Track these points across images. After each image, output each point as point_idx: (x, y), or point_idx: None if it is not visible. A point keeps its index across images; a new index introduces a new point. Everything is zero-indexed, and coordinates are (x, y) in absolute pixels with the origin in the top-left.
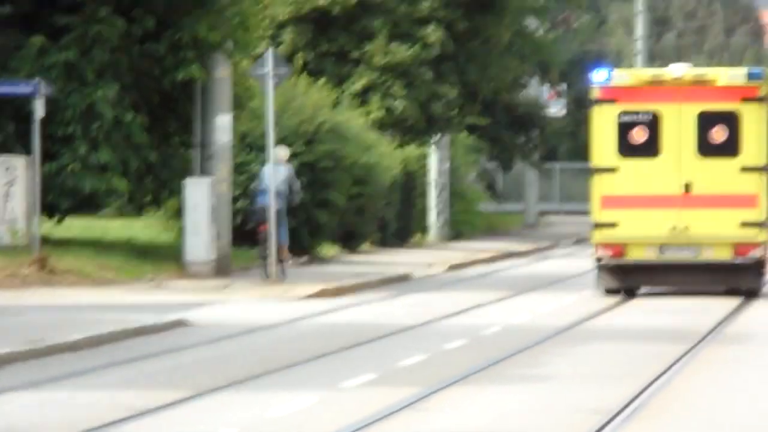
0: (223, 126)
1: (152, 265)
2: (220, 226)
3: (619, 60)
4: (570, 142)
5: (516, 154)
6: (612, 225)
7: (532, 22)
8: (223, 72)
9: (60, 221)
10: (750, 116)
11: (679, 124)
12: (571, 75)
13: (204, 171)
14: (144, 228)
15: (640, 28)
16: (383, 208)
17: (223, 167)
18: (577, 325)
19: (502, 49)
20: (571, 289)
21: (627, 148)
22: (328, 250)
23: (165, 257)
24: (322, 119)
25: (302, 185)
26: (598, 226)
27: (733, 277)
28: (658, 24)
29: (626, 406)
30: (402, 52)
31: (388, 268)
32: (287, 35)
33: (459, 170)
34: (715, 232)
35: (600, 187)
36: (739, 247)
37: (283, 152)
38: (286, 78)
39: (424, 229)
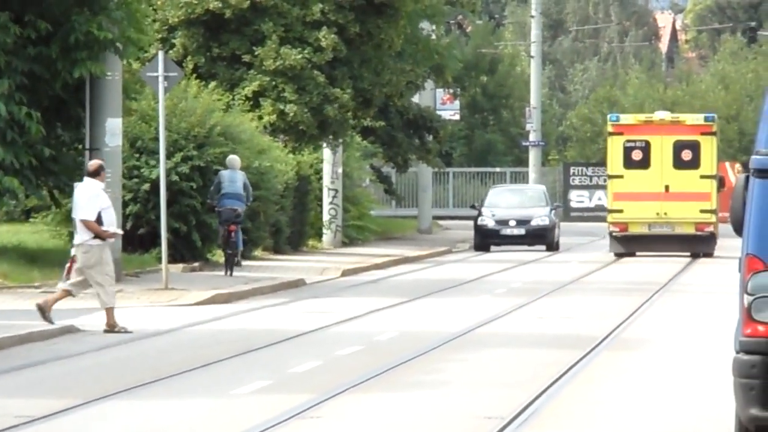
0: (113, 130)
1: (41, 271)
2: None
3: (513, 64)
4: (464, 147)
5: (411, 155)
6: (620, 211)
7: (426, 26)
8: (114, 74)
9: None
10: (706, 144)
11: (661, 148)
12: (466, 79)
13: None
14: (32, 233)
15: (534, 32)
16: (276, 213)
17: (113, 171)
18: (472, 330)
19: (395, 53)
20: (466, 294)
21: (629, 163)
22: (220, 255)
23: (54, 263)
24: (214, 122)
25: (193, 189)
26: (611, 211)
27: (695, 245)
28: (553, 27)
29: (520, 412)
30: (294, 55)
31: (281, 273)
32: (178, 39)
33: (352, 175)
34: (684, 216)
35: (612, 187)
36: (699, 225)
37: (237, 159)
38: (177, 81)
39: (317, 235)
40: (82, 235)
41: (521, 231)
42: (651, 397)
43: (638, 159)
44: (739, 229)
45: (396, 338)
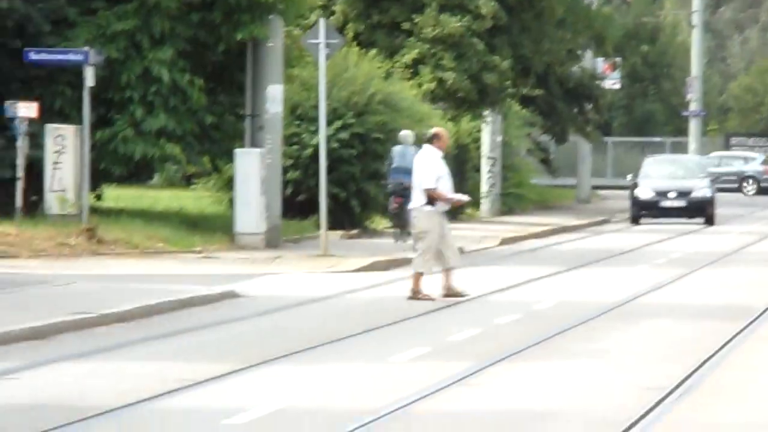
0: (274, 96)
1: (202, 237)
2: (270, 197)
3: (674, 33)
4: (623, 117)
5: (570, 126)
6: None
7: None
8: (275, 41)
9: (98, 197)
10: None
11: None
12: (626, 48)
13: (255, 142)
14: (193, 199)
15: (696, 1)
16: None
17: (274, 138)
18: (630, 300)
19: (555, 21)
20: (625, 264)
21: None
22: (379, 222)
23: (215, 229)
24: (374, 90)
25: (353, 156)
26: None
27: None
28: None
29: (681, 383)
30: (453, 23)
31: None
32: (339, 6)
33: (512, 144)
34: None
35: None
36: None
37: (410, 134)
38: (338, 48)
39: (476, 203)
40: (417, 201)
41: (681, 203)
42: None
43: None
44: None
45: (555, 307)
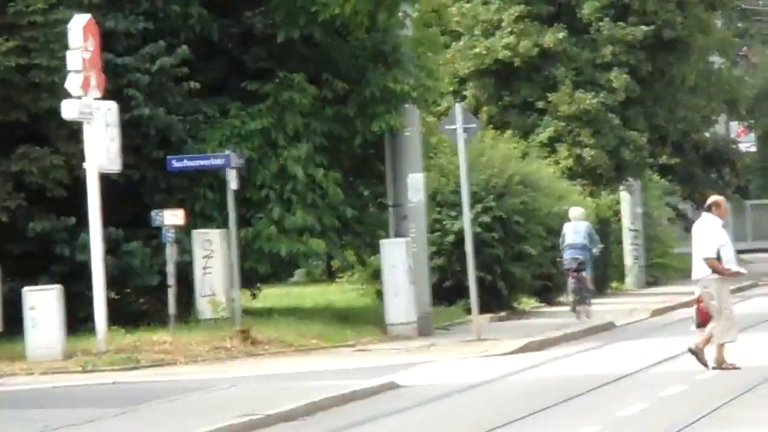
0: (415, 184)
1: (353, 330)
2: (418, 286)
3: None
4: (760, 179)
5: (709, 191)
6: None
7: (714, 59)
8: (412, 128)
9: (254, 296)
10: None
11: None
12: (758, 110)
13: (399, 231)
14: (339, 293)
15: None
16: None
17: (418, 226)
18: None
19: (687, 88)
20: None
21: None
22: (526, 303)
23: (365, 321)
24: (512, 172)
25: (495, 239)
26: None
27: None
28: None
29: None
30: (588, 99)
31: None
32: (470, 90)
33: (652, 214)
34: None
35: None
36: None
37: (580, 211)
38: (475, 132)
39: (620, 276)
40: (700, 271)
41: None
42: None
43: None
44: None
45: (719, 375)
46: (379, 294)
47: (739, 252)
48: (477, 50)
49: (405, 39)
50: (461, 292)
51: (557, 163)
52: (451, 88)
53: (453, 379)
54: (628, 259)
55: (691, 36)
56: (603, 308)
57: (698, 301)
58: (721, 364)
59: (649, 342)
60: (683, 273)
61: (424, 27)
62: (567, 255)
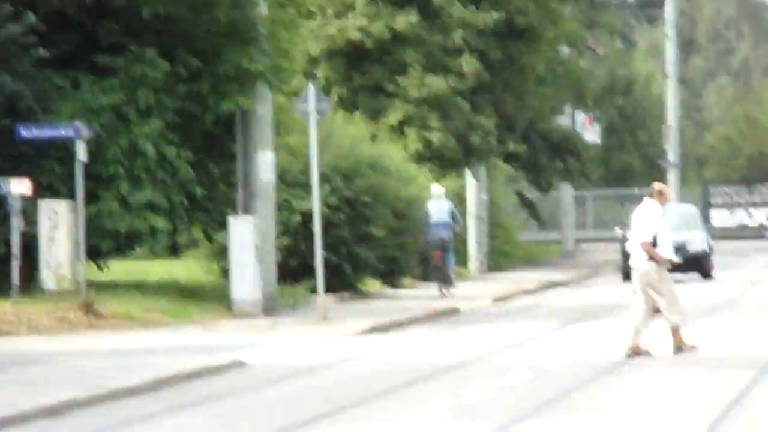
0: (265, 163)
1: (198, 306)
2: (264, 264)
3: (648, 85)
4: (602, 169)
5: (555, 177)
6: None
7: (562, 50)
8: (264, 108)
9: (99, 267)
10: None
11: None
12: (601, 101)
13: (247, 209)
14: (184, 269)
15: (668, 51)
16: (423, 241)
17: (266, 205)
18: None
19: (536, 77)
20: (620, 317)
21: None
22: (371, 285)
23: (210, 298)
24: (361, 154)
25: (342, 220)
26: None
27: None
28: (685, 47)
29: None
30: (437, 83)
31: (432, 302)
32: (321, 71)
33: (497, 201)
34: None
35: None
36: None
37: (442, 189)
38: (328, 113)
39: (464, 261)
40: (637, 258)
41: (677, 257)
42: None
43: None
44: None
45: (562, 363)
46: (225, 271)
47: (580, 241)
48: (329, 31)
49: (261, 18)
50: (307, 271)
51: (406, 146)
52: (303, 68)
53: (299, 358)
54: (472, 245)
55: (542, 25)
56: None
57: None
58: (681, 345)
59: (493, 328)
60: (526, 260)
61: (279, 6)
62: (432, 233)
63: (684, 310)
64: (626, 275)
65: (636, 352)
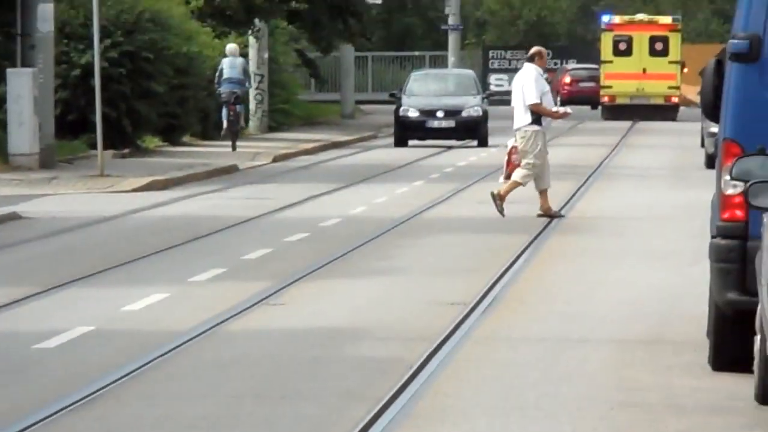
0: (45, 15)
1: None
2: (43, 118)
3: None
4: (382, 31)
5: (335, 38)
6: (609, 87)
7: None
8: None
9: None
10: (673, 38)
11: (640, 41)
12: None
13: (25, 61)
14: None
15: None
16: (204, 99)
17: (45, 57)
18: (415, 216)
19: None
20: (401, 179)
21: (617, 52)
22: (150, 141)
23: None
24: (142, 9)
25: (123, 75)
26: (603, 87)
27: (664, 112)
28: None
29: (482, 298)
30: None
31: (212, 159)
32: None
33: (278, 60)
34: (657, 91)
35: (604, 69)
36: (667, 97)
37: (235, 47)
38: None
39: (244, 120)
40: (520, 120)
41: (450, 123)
42: (609, 279)
43: (623, 49)
44: (709, 113)
45: (340, 224)
46: (2, 124)
47: (360, 103)
48: None
49: None
50: (85, 126)
51: (188, 2)
52: None
53: (78, 213)
54: (252, 104)
55: None
56: (227, 150)
57: (510, 153)
58: (548, 212)
59: (271, 187)
60: (306, 120)
61: None
62: (224, 88)
63: (529, 181)
64: (400, 142)
65: (548, 213)
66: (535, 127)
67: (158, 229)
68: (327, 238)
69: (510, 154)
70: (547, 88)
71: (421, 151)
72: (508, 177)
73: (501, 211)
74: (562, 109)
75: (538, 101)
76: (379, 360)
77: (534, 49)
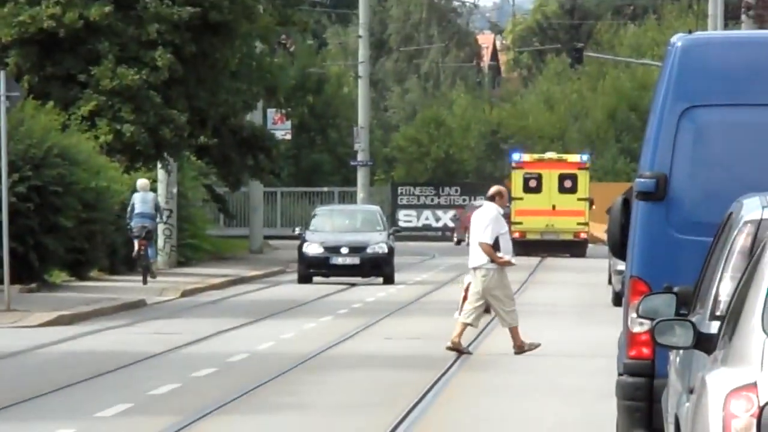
0: None
1: None
2: None
3: (339, 84)
4: (292, 167)
5: (244, 174)
6: (520, 223)
7: (256, 45)
8: None
9: None
10: (581, 176)
11: (550, 179)
12: (293, 99)
13: None
14: None
15: (361, 51)
16: (112, 233)
17: None
18: (323, 351)
19: (230, 72)
20: (308, 314)
21: (527, 189)
22: (57, 276)
23: None
24: (51, 143)
25: (30, 210)
26: (514, 223)
27: (573, 248)
28: (376, 47)
29: None
30: (130, 75)
31: (120, 294)
32: (12, 58)
33: (187, 194)
34: (566, 227)
35: (515, 206)
36: (576, 234)
37: (147, 182)
38: (18, 101)
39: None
40: (477, 259)
41: (355, 260)
42: (515, 416)
43: (533, 186)
44: (616, 250)
45: (249, 359)
46: None
47: (269, 238)
48: (21, 18)
49: None
50: None
51: (97, 137)
52: None
53: None
54: (161, 239)
55: (236, 21)
56: (134, 285)
57: (466, 290)
58: (522, 348)
59: (179, 322)
60: (214, 254)
61: None
62: (136, 223)
63: (516, 313)
64: (303, 279)
65: (457, 348)
66: (492, 266)
67: (65, 365)
68: (235, 374)
69: (466, 290)
70: (505, 228)
71: (330, 287)
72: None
73: (467, 352)
74: (507, 257)
75: (490, 242)
76: None
77: (494, 189)
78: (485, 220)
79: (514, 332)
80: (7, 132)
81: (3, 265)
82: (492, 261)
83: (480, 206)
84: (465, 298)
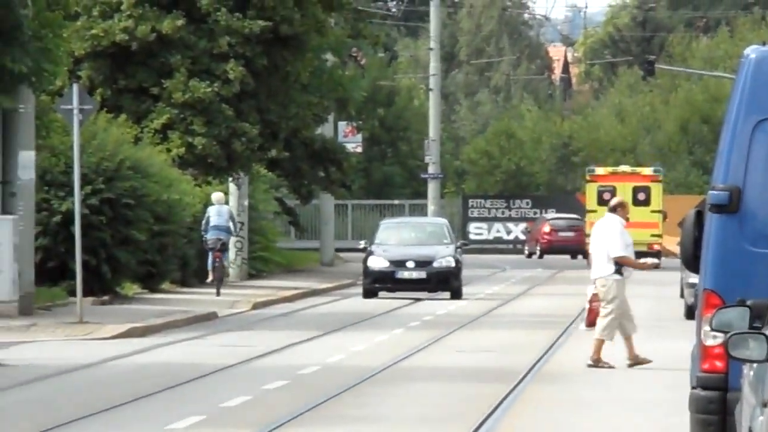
0: (26, 163)
1: None
2: (23, 265)
3: (410, 97)
4: (363, 180)
5: (315, 186)
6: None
7: (327, 58)
8: (27, 107)
9: None
10: (654, 188)
11: (624, 191)
12: (364, 111)
13: (6, 208)
14: None
15: (432, 64)
16: (184, 246)
17: (26, 204)
18: (394, 363)
19: (301, 85)
20: (379, 327)
21: (602, 202)
22: (129, 288)
23: None
24: (123, 156)
25: (103, 223)
26: (589, 236)
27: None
28: (447, 60)
29: None
30: (202, 88)
31: (192, 306)
32: (84, 71)
33: (258, 207)
34: (640, 239)
35: (590, 218)
36: (650, 245)
37: (222, 195)
38: (91, 114)
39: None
40: (600, 270)
41: (421, 274)
42: (586, 429)
43: (607, 199)
44: (689, 264)
45: (320, 372)
46: None
47: (340, 250)
48: (94, 31)
49: (28, 20)
50: (64, 273)
51: (169, 150)
52: (66, 68)
53: (55, 360)
54: (232, 251)
55: (307, 34)
56: (205, 298)
57: (591, 300)
58: (598, 362)
59: (250, 334)
60: (285, 267)
61: (47, 8)
62: (211, 235)
63: (614, 334)
64: (368, 294)
65: (636, 361)
66: (617, 277)
67: (136, 377)
68: (306, 386)
69: (591, 301)
70: (630, 240)
71: (399, 301)
72: (590, 324)
73: (609, 365)
74: (650, 261)
75: (624, 254)
76: None
77: (616, 200)
78: (612, 233)
79: (597, 345)
80: (80, 145)
81: (75, 277)
82: (630, 267)
83: (603, 218)
84: (591, 310)
